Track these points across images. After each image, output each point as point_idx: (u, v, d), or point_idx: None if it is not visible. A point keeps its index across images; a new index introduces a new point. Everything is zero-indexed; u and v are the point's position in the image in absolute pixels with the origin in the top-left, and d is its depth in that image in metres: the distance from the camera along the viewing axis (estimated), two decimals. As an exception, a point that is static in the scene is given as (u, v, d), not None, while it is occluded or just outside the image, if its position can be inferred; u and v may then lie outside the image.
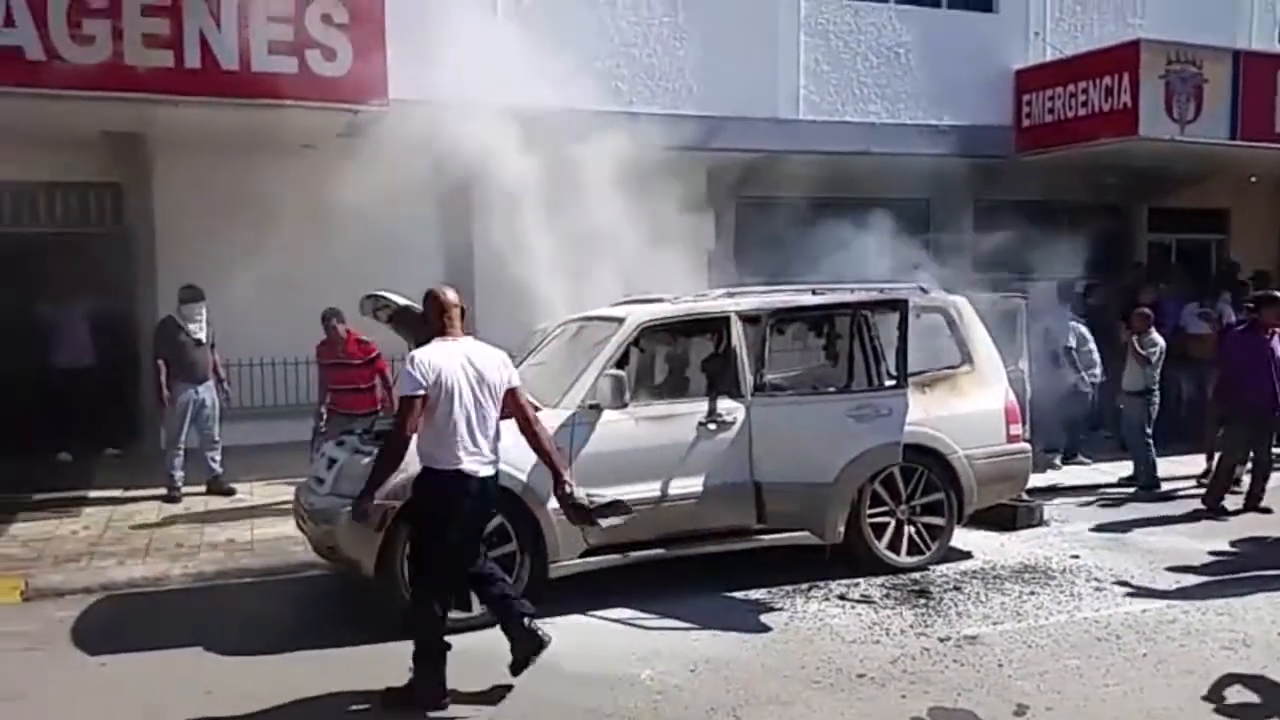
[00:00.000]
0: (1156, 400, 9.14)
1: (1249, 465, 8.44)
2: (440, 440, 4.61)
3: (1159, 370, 9.10)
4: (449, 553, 4.72)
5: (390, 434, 4.81)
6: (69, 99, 7.65)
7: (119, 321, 9.70)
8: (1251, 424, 8.28)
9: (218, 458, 8.61)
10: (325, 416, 8.06)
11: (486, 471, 4.70)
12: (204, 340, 8.54)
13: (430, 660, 4.66)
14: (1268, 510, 8.25)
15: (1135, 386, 9.10)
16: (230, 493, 8.51)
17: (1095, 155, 11.71)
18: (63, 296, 9.59)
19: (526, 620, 4.82)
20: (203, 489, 8.49)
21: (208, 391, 8.58)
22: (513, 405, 4.80)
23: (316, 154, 9.59)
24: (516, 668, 4.78)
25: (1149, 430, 9.07)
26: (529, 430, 4.86)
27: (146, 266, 9.63)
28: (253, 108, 8.14)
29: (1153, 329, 9.13)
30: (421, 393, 4.55)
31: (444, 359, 4.64)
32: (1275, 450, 8.73)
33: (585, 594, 5.93)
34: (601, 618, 5.82)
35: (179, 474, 8.40)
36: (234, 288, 8.71)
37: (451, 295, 4.88)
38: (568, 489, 4.83)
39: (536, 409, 5.20)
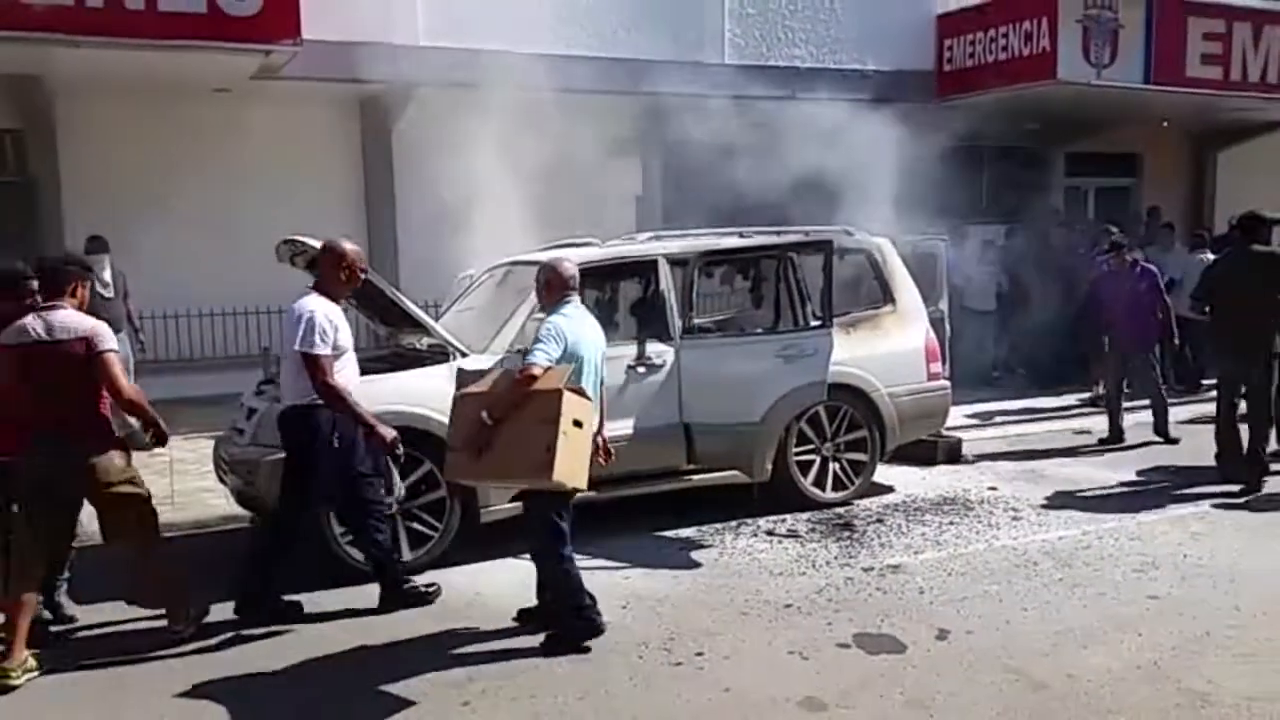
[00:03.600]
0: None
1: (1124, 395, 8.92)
2: None
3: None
4: None
5: None
6: (-41, 38, 7.29)
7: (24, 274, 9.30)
8: (1123, 358, 8.75)
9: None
10: None
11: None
12: (111, 293, 8.21)
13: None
14: (1175, 440, 8.59)
15: None
16: (146, 447, 8.24)
17: (1014, 100, 11.89)
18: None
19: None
20: (120, 444, 8.25)
21: (121, 344, 8.29)
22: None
23: (230, 97, 9.31)
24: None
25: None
26: None
27: (52, 216, 9.25)
28: (158, 49, 7.81)
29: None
30: None
31: None
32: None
33: (517, 537, 5.93)
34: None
35: None
36: (146, 237, 8.45)
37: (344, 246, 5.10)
38: None
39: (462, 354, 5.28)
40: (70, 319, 4.56)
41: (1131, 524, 6.32)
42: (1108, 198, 14.64)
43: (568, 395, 4.30)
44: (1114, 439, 8.66)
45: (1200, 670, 4.27)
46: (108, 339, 4.55)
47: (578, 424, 4.34)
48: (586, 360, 4.60)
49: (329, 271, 5.03)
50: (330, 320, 4.86)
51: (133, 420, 4.91)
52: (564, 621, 4.64)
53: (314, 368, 4.79)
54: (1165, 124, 13.80)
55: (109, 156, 9.26)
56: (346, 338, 4.96)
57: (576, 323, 4.63)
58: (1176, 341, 9.49)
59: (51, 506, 4.60)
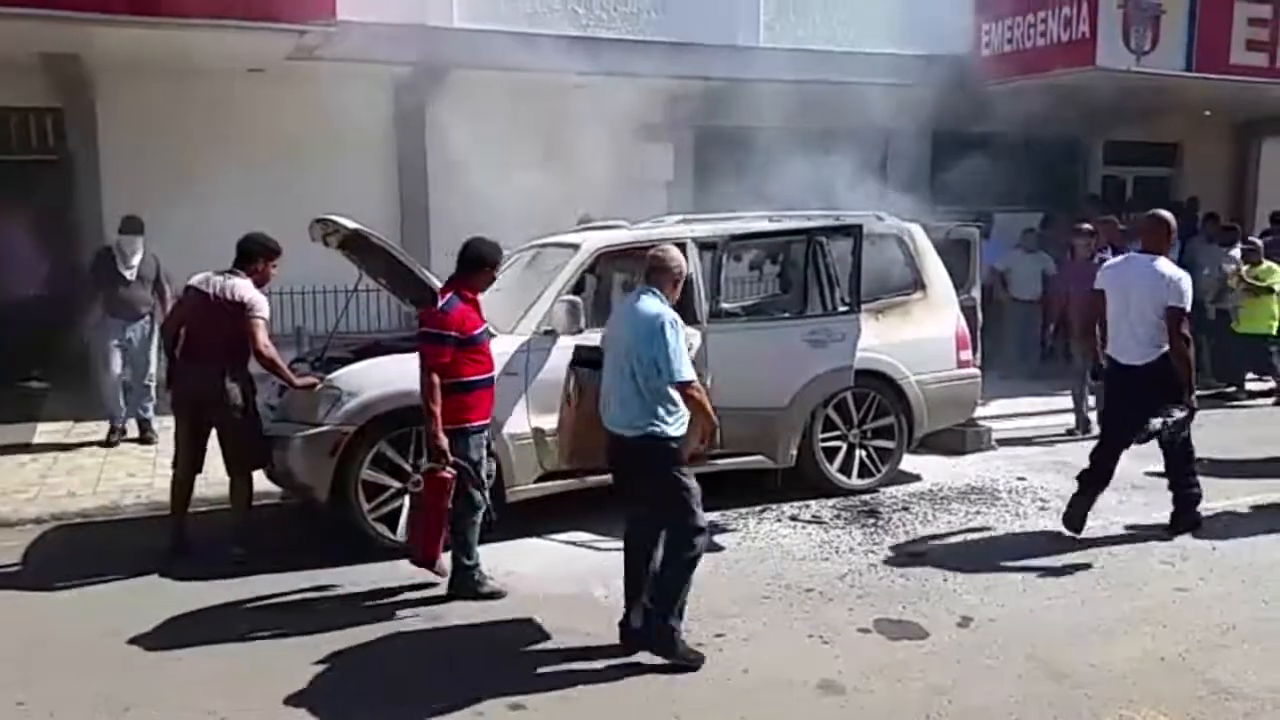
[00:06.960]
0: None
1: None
2: None
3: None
4: None
5: None
6: None
7: (64, 251, 9.47)
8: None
9: (148, 404, 8.10)
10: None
11: None
12: (135, 276, 7.97)
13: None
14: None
15: None
16: (149, 442, 7.97)
17: (1053, 86, 11.71)
18: (7, 224, 9.30)
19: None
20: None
21: (136, 330, 8.02)
22: None
23: (264, 77, 9.38)
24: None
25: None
26: None
27: (90, 194, 9.36)
28: (192, 29, 7.85)
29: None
30: None
31: None
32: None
33: (542, 518, 5.98)
34: (558, 540, 5.88)
35: (118, 409, 8.06)
36: (181, 216, 8.52)
37: None
38: None
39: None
40: (238, 287, 5.57)
41: (1161, 516, 6.24)
42: (1146, 187, 14.40)
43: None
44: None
45: (1225, 663, 4.23)
46: (260, 309, 5.58)
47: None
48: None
49: (1159, 237, 5.81)
50: None
51: None
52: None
53: (1181, 321, 5.53)
54: (1208, 114, 13.53)
55: (146, 135, 9.33)
56: None
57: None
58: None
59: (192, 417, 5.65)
